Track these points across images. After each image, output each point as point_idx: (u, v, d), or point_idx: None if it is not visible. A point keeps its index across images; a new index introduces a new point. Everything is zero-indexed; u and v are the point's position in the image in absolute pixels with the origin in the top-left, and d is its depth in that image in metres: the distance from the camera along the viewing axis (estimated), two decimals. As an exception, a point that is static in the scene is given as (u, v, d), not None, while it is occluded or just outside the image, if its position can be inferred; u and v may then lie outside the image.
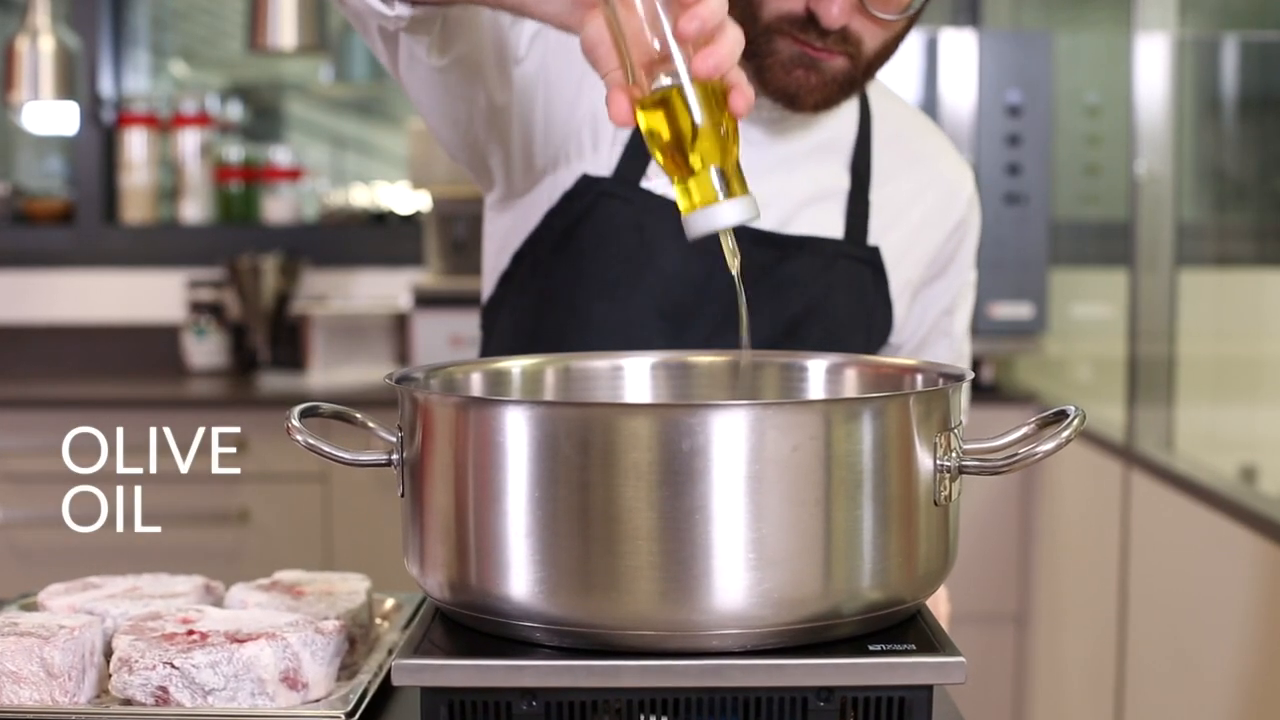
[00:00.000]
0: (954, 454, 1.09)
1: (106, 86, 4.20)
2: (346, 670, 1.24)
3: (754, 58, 1.50)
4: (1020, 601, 3.43)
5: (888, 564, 1.06)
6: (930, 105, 3.45)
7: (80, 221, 4.17)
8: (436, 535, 1.09)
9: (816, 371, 1.31)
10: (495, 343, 1.68)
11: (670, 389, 1.34)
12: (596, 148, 1.58)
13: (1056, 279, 3.54)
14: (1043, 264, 3.45)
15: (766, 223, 1.57)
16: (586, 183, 1.57)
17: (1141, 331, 3.05)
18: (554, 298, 1.60)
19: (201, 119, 4.17)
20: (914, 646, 1.05)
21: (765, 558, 1.02)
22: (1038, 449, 1.08)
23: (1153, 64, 3.07)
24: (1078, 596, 3.18)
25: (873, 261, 1.64)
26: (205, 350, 3.99)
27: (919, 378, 1.24)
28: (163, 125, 4.21)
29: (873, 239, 1.65)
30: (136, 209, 4.17)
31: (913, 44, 3.46)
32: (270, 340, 3.99)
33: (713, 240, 1.56)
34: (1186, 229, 3.11)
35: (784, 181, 1.60)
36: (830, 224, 1.63)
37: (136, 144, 4.15)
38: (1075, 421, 1.10)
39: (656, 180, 1.55)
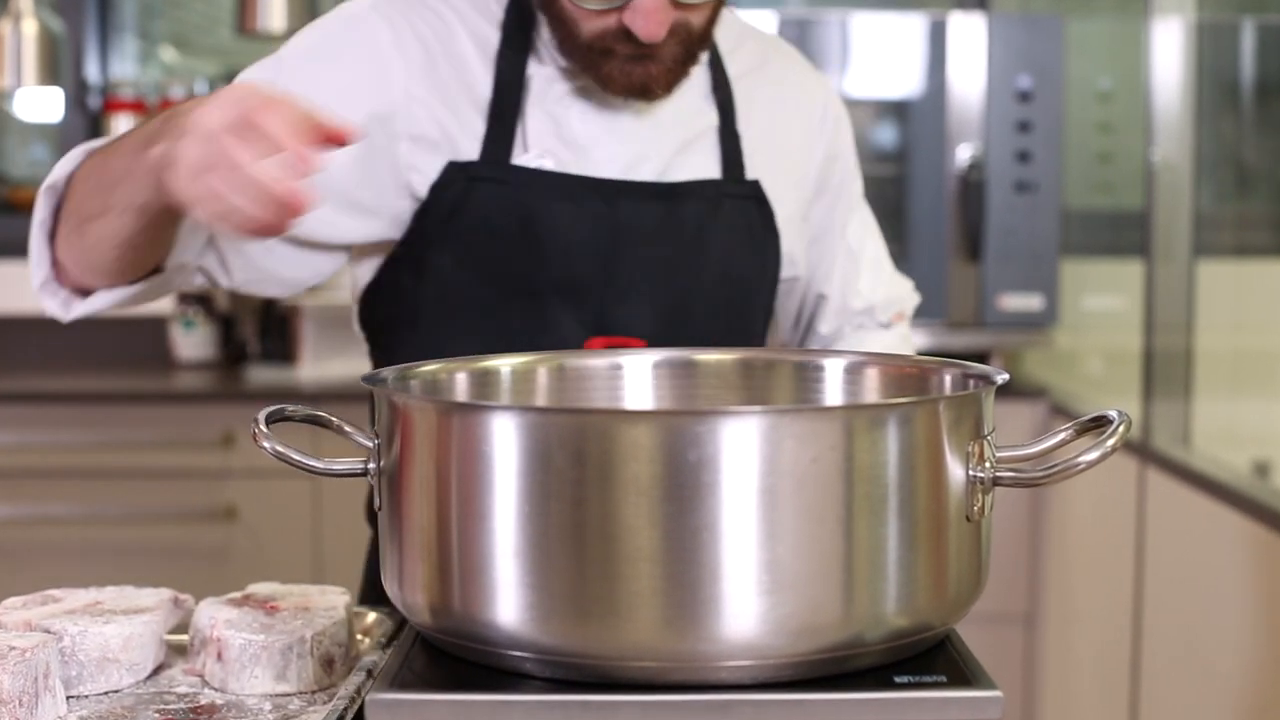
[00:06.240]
0: (987, 464, 1.01)
1: (93, 72, 4.14)
2: (324, 693, 1.19)
3: (591, 69, 1.49)
4: (1030, 602, 3.37)
5: (915, 587, 0.99)
6: (938, 91, 3.40)
7: (65, 210, 4.08)
8: (417, 554, 1.03)
9: (834, 372, 1.25)
10: (387, 349, 1.62)
11: (674, 390, 1.27)
12: (443, 144, 1.52)
13: (1067, 270, 3.49)
14: (1053, 254, 3.41)
15: (646, 174, 1.56)
16: (453, 170, 1.51)
17: (1158, 324, 2.99)
18: (443, 294, 1.54)
19: (189, 105, 4.09)
20: (944, 678, 0.99)
21: (780, 581, 0.95)
22: (1080, 459, 1.00)
23: (1169, 49, 3.02)
24: (1090, 596, 3.14)
25: (755, 195, 1.62)
26: (193, 342, 3.93)
27: (947, 378, 1.16)
28: (150, 111, 4.13)
29: (751, 173, 1.63)
30: (123, 197, 4.09)
31: (920, 29, 3.40)
32: (259, 332, 3.95)
33: (602, 206, 1.49)
34: (1203, 219, 3.05)
35: (654, 131, 1.58)
36: (707, 166, 1.60)
37: (123, 130, 4.07)
38: (1120, 428, 1.02)
39: (527, 155, 1.52)
